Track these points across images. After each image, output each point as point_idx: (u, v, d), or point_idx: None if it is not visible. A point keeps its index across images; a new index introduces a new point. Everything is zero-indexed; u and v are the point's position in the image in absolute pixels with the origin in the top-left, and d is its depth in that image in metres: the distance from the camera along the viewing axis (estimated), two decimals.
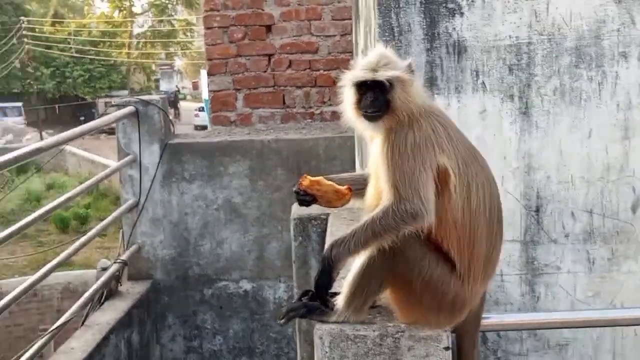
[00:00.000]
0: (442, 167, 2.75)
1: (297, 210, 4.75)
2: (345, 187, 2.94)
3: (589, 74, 3.79)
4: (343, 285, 2.86)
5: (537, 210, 3.88)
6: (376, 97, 2.78)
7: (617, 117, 3.81)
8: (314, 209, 4.64)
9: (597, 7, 3.75)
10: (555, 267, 3.91)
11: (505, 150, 3.84)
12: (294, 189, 3.00)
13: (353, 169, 7.23)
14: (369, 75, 2.79)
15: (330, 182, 2.95)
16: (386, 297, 2.90)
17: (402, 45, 3.81)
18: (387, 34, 3.83)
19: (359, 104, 2.82)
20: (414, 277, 2.75)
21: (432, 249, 2.77)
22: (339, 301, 2.86)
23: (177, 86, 63.88)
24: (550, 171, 3.85)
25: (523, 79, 3.81)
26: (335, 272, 2.77)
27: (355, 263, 2.84)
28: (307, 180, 2.95)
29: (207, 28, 8.20)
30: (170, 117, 7.57)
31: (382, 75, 2.78)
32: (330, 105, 8.18)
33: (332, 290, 2.89)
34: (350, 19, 7.89)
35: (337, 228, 4.13)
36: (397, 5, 3.81)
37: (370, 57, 2.91)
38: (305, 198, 2.98)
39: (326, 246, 2.82)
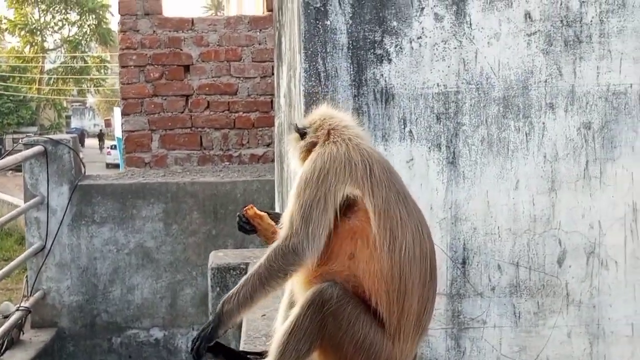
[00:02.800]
0: (356, 200, 2.68)
1: (215, 258, 4.58)
2: None
3: (516, 125, 3.76)
4: (270, 346, 2.69)
5: (464, 263, 3.80)
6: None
7: (544, 169, 3.78)
8: (232, 258, 4.51)
9: (525, 57, 3.73)
10: (481, 321, 3.82)
11: (432, 200, 3.76)
12: (238, 213, 3.02)
13: None
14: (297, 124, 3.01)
15: (272, 223, 2.95)
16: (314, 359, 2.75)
17: (329, 91, 3.71)
18: (313, 78, 3.72)
19: None
20: (347, 340, 2.62)
21: (366, 309, 2.64)
22: None
23: (101, 130, 62.82)
24: (477, 222, 3.78)
25: (451, 128, 3.75)
26: (222, 330, 2.72)
27: (284, 323, 2.70)
28: (251, 211, 2.97)
29: (123, 66, 8.08)
30: (81, 156, 7.35)
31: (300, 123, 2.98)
32: (249, 147, 8.15)
33: (255, 350, 2.78)
34: (271, 61, 7.85)
35: None
36: (323, 50, 3.71)
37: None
38: (246, 226, 2.99)
39: (220, 302, 2.77)
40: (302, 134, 2.93)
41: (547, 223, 3.80)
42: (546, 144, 3.76)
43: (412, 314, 2.68)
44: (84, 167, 7.46)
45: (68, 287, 7.07)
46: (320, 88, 3.71)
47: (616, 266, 3.83)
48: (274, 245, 2.70)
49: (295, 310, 2.65)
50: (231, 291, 2.74)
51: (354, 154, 2.74)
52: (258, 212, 2.98)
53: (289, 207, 2.74)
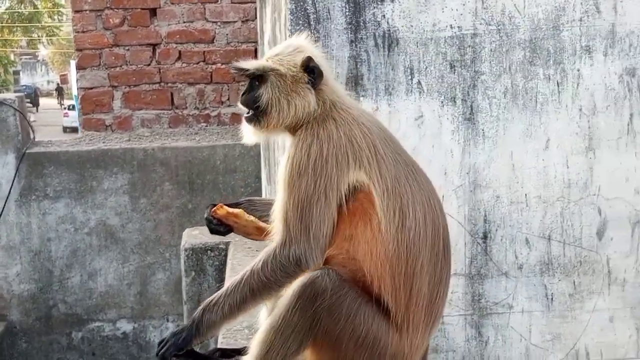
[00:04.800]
0: (362, 185, 2.65)
1: (189, 238, 4.56)
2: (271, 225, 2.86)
3: (546, 72, 3.72)
4: (252, 342, 2.67)
5: (485, 237, 3.79)
6: (250, 90, 2.82)
7: (579, 124, 3.75)
8: (209, 237, 4.47)
9: None
10: (507, 306, 3.83)
11: (446, 164, 3.73)
12: (205, 215, 2.99)
13: (258, 182, 7.12)
14: (237, 64, 2.83)
15: (252, 218, 2.95)
16: (305, 358, 2.73)
17: (320, 36, 3.66)
18: (300, 22, 3.67)
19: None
20: (345, 337, 2.60)
21: (367, 299, 2.62)
22: None
23: (58, 84, 62.61)
24: (500, 189, 3.77)
25: (467, 77, 3.72)
26: (197, 340, 2.72)
27: (269, 316, 2.68)
28: (222, 210, 2.94)
29: (76, 11, 7.93)
30: (32, 119, 7.32)
31: (251, 64, 2.80)
32: (230, 106, 8.05)
33: (234, 346, 2.84)
34: (254, 1, 7.76)
35: (240, 261, 3.96)
36: None
37: (277, 46, 2.92)
38: (219, 228, 2.97)
39: (200, 307, 2.76)
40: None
41: (583, 189, 3.78)
42: (582, 95, 3.73)
43: (422, 299, 2.66)
44: (33, 131, 7.44)
45: (18, 274, 7.09)
46: (309, 32, 3.63)
47: None
48: (268, 252, 2.68)
49: (283, 302, 2.62)
50: (213, 297, 2.73)
51: (356, 132, 2.69)
52: (230, 210, 2.95)
53: (280, 202, 2.69)
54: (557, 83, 3.73)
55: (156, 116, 8.03)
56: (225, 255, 4.36)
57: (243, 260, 3.90)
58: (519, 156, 3.75)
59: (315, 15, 3.67)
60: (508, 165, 3.75)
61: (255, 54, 7.84)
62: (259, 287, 2.66)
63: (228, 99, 8.05)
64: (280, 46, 2.92)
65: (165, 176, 7.18)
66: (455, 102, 3.72)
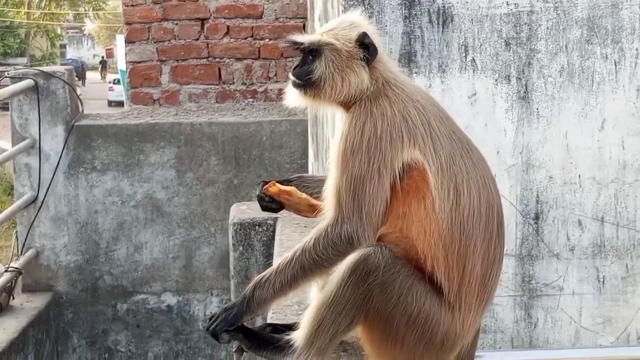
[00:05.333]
0: (415, 163, 2.63)
1: (237, 213, 4.56)
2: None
3: (603, 52, 3.68)
4: (303, 318, 2.68)
5: (537, 218, 3.77)
6: (302, 63, 2.79)
7: (636, 105, 3.71)
8: (257, 212, 4.48)
9: None
10: (557, 288, 3.81)
11: (499, 143, 3.72)
12: (258, 193, 2.99)
13: (304, 159, 7.11)
14: (292, 37, 2.81)
15: (304, 196, 2.94)
16: (356, 334, 2.74)
17: (374, 12, 3.65)
18: None
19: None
20: (397, 315, 2.59)
21: (420, 277, 2.61)
22: (297, 337, 2.69)
23: (103, 57, 63.03)
24: (554, 170, 3.75)
25: (522, 55, 3.69)
26: (248, 317, 2.74)
27: (321, 292, 2.68)
28: (275, 188, 2.94)
29: None
30: (78, 92, 7.35)
31: (306, 38, 2.79)
32: (277, 82, 8.00)
33: (284, 322, 2.86)
34: None
35: (288, 237, 3.96)
36: None
37: (331, 22, 2.91)
38: (272, 205, 2.97)
39: (251, 283, 2.77)
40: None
41: (639, 171, 3.74)
42: (639, 75, 3.68)
43: (475, 279, 2.65)
44: (82, 104, 7.47)
45: (65, 245, 7.10)
46: (363, 8, 3.64)
47: None
48: (319, 230, 2.67)
49: (335, 278, 2.61)
50: (264, 274, 2.73)
51: (410, 109, 2.67)
52: (282, 187, 2.95)
53: (333, 180, 2.68)
54: (615, 62, 3.68)
55: (203, 91, 8.04)
56: (273, 231, 4.36)
57: (291, 236, 3.90)
58: (574, 136, 3.72)
59: None
60: (562, 145, 3.72)
61: (303, 29, 7.82)
62: (310, 264, 2.65)
63: (275, 75, 8.02)
64: (334, 21, 2.90)
65: (211, 151, 7.15)
66: (509, 80, 3.69)
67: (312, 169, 5.72)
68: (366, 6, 3.64)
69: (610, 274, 3.79)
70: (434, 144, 2.64)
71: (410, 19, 3.66)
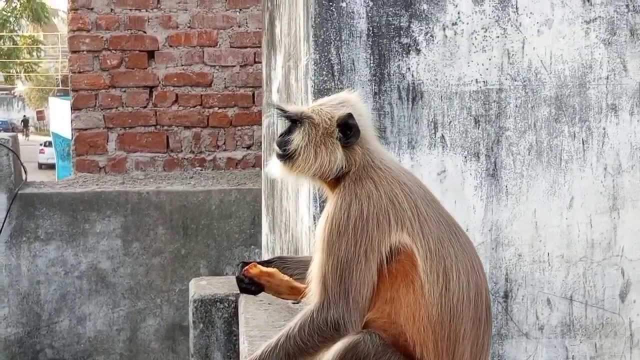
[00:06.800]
0: (404, 247, 2.58)
1: (197, 288, 4.45)
2: (305, 285, 2.78)
3: (571, 130, 3.68)
4: None
5: (506, 296, 3.72)
6: (287, 133, 2.81)
7: (604, 184, 3.70)
8: (218, 288, 4.39)
9: (583, 49, 3.66)
10: None
11: (468, 220, 3.67)
12: (237, 274, 2.93)
13: (253, 228, 7.04)
14: (280, 105, 2.88)
15: (286, 278, 2.87)
16: None
17: (344, 87, 3.60)
18: (324, 72, 3.62)
19: None
20: None
21: None
22: None
23: (24, 116, 62.59)
24: (523, 248, 3.71)
25: (491, 133, 3.67)
26: None
27: None
28: (256, 269, 2.87)
29: (73, 51, 7.95)
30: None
31: (292, 108, 2.84)
32: (226, 150, 8.04)
33: None
34: (253, 46, 7.76)
35: (253, 315, 3.84)
36: (337, 38, 3.61)
37: (327, 97, 2.96)
38: (251, 287, 2.91)
39: None
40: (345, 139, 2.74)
41: (607, 249, 3.72)
42: (607, 154, 3.69)
43: None
44: (26, 172, 7.35)
45: (5, 317, 6.96)
46: (333, 84, 3.62)
47: None
48: (305, 314, 2.60)
49: None
50: None
51: (397, 191, 2.64)
52: (264, 268, 2.89)
53: (318, 263, 2.63)
54: (582, 141, 3.69)
55: (151, 159, 8.00)
56: (235, 307, 4.26)
57: (256, 314, 3.80)
58: (542, 214, 3.70)
59: (339, 66, 3.63)
60: (531, 223, 3.70)
61: (253, 100, 7.84)
62: (295, 351, 2.57)
63: (224, 144, 8.03)
64: (329, 97, 2.92)
65: (159, 220, 7.11)
66: (478, 157, 3.67)
67: (266, 241, 5.63)
68: (336, 82, 3.61)
69: (579, 353, 3.75)
70: (422, 227, 2.59)
71: (380, 95, 3.63)
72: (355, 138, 2.72)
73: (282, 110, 2.82)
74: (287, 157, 2.76)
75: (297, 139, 2.74)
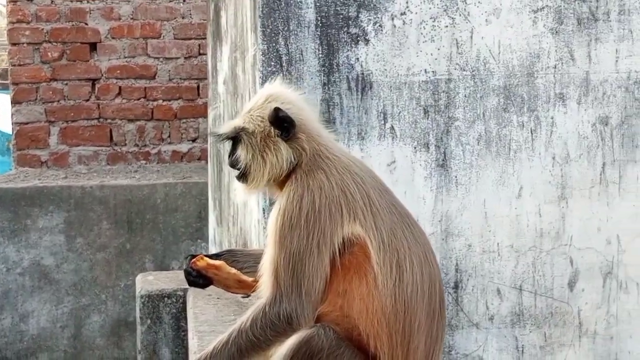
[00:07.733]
0: (356, 239, 2.58)
1: (143, 284, 4.40)
2: (253, 279, 2.79)
3: (519, 120, 3.69)
4: None
5: (456, 287, 3.73)
6: (232, 152, 2.83)
7: (552, 173, 3.72)
8: (165, 283, 4.34)
9: (531, 38, 3.67)
10: (477, 358, 3.76)
11: (418, 211, 3.63)
12: (185, 267, 2.91)
13: (199, 222, 6.98)
14: (214, 131, 2.92)
15: (234, 271, 2.83)
16: None
17: (292, 78, 3.58)
18: (272, 63, 3.59)
19: None
20: None
21: (364, 357, 2.55)
22: None
23: None
24: (472, 238, 3.71)
25: (441, 123, 3.67)
26: None
27: None
28: (203, 262, 2.84)
29: (13, 44, 7.79)
30: None
31: (224, 128, 2.84)
32: (171, 143, 7.96)
33: None
34: (198, 38, 7.70)
35: (202, 310, 3.82)
36: (285, 28, 3.58)
37: (253, 98, 2.93)
38: (199, 280, 2.87)
39: None
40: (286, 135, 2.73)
41: (556, 238, 3.74)
42: (555, 143, 3.71)
43: (419, 356, 2.60)
44: None
45: None
46: (281, 74, 3.58)
47: (638, 289, 3.79)
48: (257, 308, 2.59)
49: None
50: (199, 357, 2.63)
51: (349, 182, 2.63)
52: (211, 261, 2.86)
53: (270, 256, 2.61)
54: (531, 130, 3.70)
55: (94, 153, 7.90)
56: (183, 302, 4.21)
57: (205, 309, 3.76)
58: (492, 204, 3.71)
59: (287, 57, 3.60)
60: (480, 213, 3.70)
61: (197, 92, 7.78)
62: (247, 346, 2.56)
63: (169, 136, 7.96)
64: (254, 98, 2.89)
65: (103, 215, 7.03)
66: (428, 148, 3.67)
67: (214, 235, 5.58)
68: (284, 72, 3.58)
69: (529, 343, 3.77)
70: (375, 218, 2.58)
71: (329, 86, 3.61)
72: (292, 128, 2.70)
73: (216, 135, 2.83)
74: (243, 175, 2.76)
75: (242, 154, 2.74)
